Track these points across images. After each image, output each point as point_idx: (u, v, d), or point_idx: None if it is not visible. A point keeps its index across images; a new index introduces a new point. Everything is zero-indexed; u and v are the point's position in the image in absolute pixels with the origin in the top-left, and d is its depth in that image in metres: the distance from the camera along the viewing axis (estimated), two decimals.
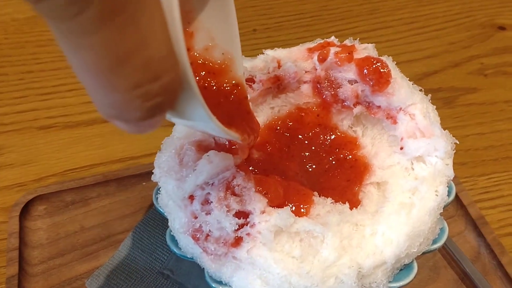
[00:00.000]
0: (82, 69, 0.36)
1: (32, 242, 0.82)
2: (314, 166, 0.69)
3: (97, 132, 1.02)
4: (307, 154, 0.69)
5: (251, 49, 1.20)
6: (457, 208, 0.87)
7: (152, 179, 0.65)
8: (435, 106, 0.67)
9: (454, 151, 0.64)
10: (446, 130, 0.64)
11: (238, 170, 0.58)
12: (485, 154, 1.00)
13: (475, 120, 1.06)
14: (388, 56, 1.18)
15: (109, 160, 0.97)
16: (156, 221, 0.83)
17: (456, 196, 0.87)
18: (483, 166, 0.98)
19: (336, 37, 1.23)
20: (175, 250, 0.63)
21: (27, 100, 1.07)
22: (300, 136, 0.70)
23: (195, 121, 0.47)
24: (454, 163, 0.97)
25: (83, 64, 0.35)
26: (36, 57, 1.15)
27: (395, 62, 0.69)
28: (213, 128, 0.46)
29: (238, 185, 0.58)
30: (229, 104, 0.53)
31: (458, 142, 0.64)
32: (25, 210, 0.85)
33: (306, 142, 0.70)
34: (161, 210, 0.64)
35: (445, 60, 1.18)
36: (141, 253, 0.80)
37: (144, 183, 0.89)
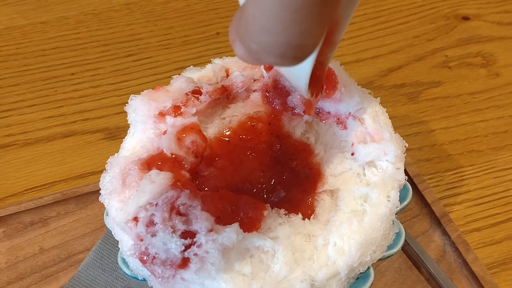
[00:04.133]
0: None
1: None
2: (269, 178, 0.67)
3: (57, 148, 1.00)
4: (261, 165, 0.67)
5: (214, 53, 1.18)
6: (421, 207, 0.86)
7: (99, 199, 0.63)
8: (385, 109, 0.66)
9: (405, 154, 0.62)
10: (396, 134, 0.63)
11: (183, 188, 0.57)
12: (451, 149, 0.99)
13: (440, 114, 1.05)
14: (354, 53, 1.18)
15: (70, 177, 0.95)
16: (115, 239, 0.81)
17: (420, 194, 0.86)
18: (449, 161, 0.97)
19: None
20: (127, 272, 0.61)
21: None
22: (253, 147, 0.69)
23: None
24: (419, 160, 0.97)
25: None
26: None
27: (343, 64, 0.68)
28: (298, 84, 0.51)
29: (184, 204, 0.56)
30: None
31: (407, 145, 0.63)
32: None
33: (259, 152, 0.68)
34: (111, 230, 0.63)
35: (409, 54, 1.17)
36: (101, 272, 0.78)
37: (99, 200, 0.87)
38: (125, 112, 1.04)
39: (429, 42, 1.20)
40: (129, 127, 1.01)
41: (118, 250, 0.79)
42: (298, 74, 0.49)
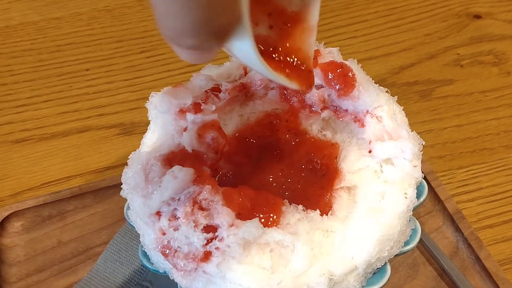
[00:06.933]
0: None
1: (9, 260, 0.82)
2: (287, 175, 0.68)
3: (73, 143, 1.01)
4: (278, 162, 0.68)
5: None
6: (434, 203, 0.87)
7: (121, 194, 0.64)
8: (402, 107, 0.67)
9: (422, 152, 0.63)
10: (414, 132, 0.64)
11: (205, 183, 0.58)
12: (463, 146, 1.00)
13: (452, 112, 1.06)
14: (366, 50, 1.19)
15: (85, 171, 0.96)
16: (133, 233, 0.82)
17: (434, 191, 0.87)
18: (461, 158, 0.98)
19: None
20: (147, 265, 0.63)
21: (1, 113, 1.06)
22: (270, 143, 0.70)
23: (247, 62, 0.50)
24: (432, 157, 0.98)
25: None
26: (10, 68, 1.14)
27: (360, 60, 0.69)
28: (262, 70, 0.48)
29: (205, 199, 0.58)
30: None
31: (424, 143, 0.64)
32: (1, 227, 0.84)
33: (277, 149, 0.70)
34: (133, 224, 0.64)
35: (421, 52, 1.18)
36: (119, 265, 0.80)
37: (120, 194, 0.88)
38: (139, 108, 1.07)
39: (441, 40, 1.20)
40: (144, 123, 1.04)
41: (136, 244, 0.81)
42: (249, 58, 0.48)
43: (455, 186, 0.93)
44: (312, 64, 0.55)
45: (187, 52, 0.45)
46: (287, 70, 0.52)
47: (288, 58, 0.53)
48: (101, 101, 1.08)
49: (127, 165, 0.65)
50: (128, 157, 0.67)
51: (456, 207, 0.85)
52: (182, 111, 0.65)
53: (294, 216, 0.61)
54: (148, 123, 1.04)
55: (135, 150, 0.67)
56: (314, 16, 0.54)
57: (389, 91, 0.67)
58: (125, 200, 0.88)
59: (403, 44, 1.20)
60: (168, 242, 0.57)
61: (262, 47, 0.52)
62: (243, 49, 0.46)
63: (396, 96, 0.67)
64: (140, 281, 0.78)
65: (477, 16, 1.26)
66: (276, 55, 0.53)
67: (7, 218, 0.85)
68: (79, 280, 0.79)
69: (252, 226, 0.56)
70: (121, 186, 0.65)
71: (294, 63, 0.53)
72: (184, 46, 0.43)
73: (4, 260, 0.81)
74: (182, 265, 0.56)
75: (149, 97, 0.68)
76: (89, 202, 0.88)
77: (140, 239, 0.62)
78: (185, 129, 0.64)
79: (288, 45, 0.53)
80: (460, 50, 1.18)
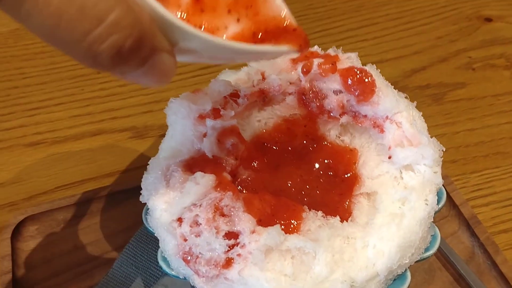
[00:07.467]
0: (39, 36, 0.40)
1: (25, 264, 0.82)
2: (305, 181, 0.68)
3: (86, 146, 1.01)
4: (297, 168, 0.68)
5: None
6: (450, 208, 0.87)
7: (140, 199, 0.65)
8: (421, 113, 0.67)
9: (442, 158, 0.63)
10: (433, 138, 0.64)
11: (226, 190, 0.58)
12: (476, 151, 1.00)
13: (465, 116, 1.05)
14: (377, 53, 1.19)
15: (100, 175, 0.96)
16: (148, 237, 0.82)
17: (449, 196, 0.87)
18: (475, 163, 0.98)
19: (322, 36, 1.23)
20: (167, 271, 0.63)
21: (14, 117, 1.06)
22: (289, 149, 0.70)
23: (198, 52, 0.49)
24: (445, 162, 0.97)
25: (35, 32, 0.39)
26: (22, 71, 1.14)
27: (377, 62, 0.69)
28: (219, 47, 0.47)
29: (227, 206, 0.58)
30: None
31: (444, 149, 0.64)
32: (17, 231, 0.84)
33: (295, 154, 0.70)
34: (151, 230, 0.64)
35: (433, 55, 1.17)
36: (135, 269, 0.80)
37: (135, 198, 0.89)
38: (152, 111, 1.07)
39: (452, 43, 1.20)
40: (157, 126, 1.04)
41: (152, 249, 0.81)
42: (205, 47, 0.48)
43: (469, 191, 0.93)
44: (294, 22, 0.54)
45: (140, 72, 0.44)
46: (273, 41, 0.52)
47: (267, 31, 0.54)
48: (113, 104, 1.08)
49: (145, 170, 0.66)
50: (142, 161, 0.67)
51: (472, 212, 0.85)
52: (201, 117, 0.65)
53: (315, 222, 0.61)
54: (160, 126, 1.05)
55: (149, 154, 0.67)
56: None
57: (408, 97, 0.67)
58: (141, 204, 0.89)
59: (414, 47, 1.19)
60: (190, 248, 0.57)
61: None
62: (178, 36, 0.45)
63: (415, 102, 0.67)
64: (156, 285, 0.78)
65: (488, 19, 1.25)
66: (260, 35, 0.53)
67: (22, 222, 0.85)
68: (95, 284, 0.79)
69: (274, 233, 0.56)
70: (140, 192, 0.65)
71: (276, 31, 0.54)
72: (108, 65, 0.41)
73: (20, 265, 0.82)
74: (204, 272, 0.57)
75: (164, 101, 0.67)
76: (104, 206, 0.88)
77: (159, 244, 0.62)
78: (204, 135, 0.64)
79: (260, 20, 0.54)
80: (471, 53, 1.18)
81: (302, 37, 0.53)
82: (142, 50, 0.42)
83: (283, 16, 0.53)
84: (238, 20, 0.54)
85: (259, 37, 0.53)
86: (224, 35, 0.54)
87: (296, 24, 0.54)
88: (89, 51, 0.39)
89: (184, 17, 0.53)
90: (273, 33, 0.53)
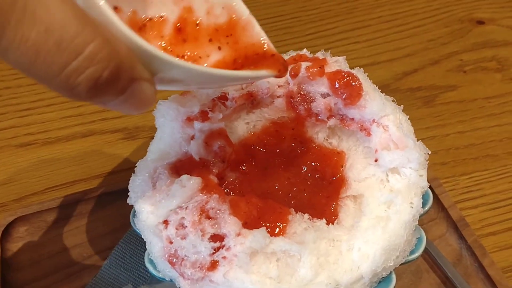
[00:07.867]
0: (17, 69, 0.40)
1: (14, 265, 0.82)
2: (293, 184, 0.68)
3: (77, 147, 1.01)
4: (284, 170, 0.69)
5: None
6: (438, 210, 0.87)
7: (128, 202, 0.65)
8: (408, 116, 0.67)
9: (428, 162, 0.64)
10: (420, 141, 0.64)
11: (212, 192, 0.58)
12: (466, 153, 1.00)
13: (455, 118, 1.06)
14: (369, 55, 1.19)
15: (90, 176, 0.96)
16: (137, 238, 0.82)
17: (437, 198, 0.87)
18: (464, 165, 0.98)
19: (315, 38, 1.23)
20: (154, 273, 0.63)
21: (6, 117, 1.06)
22: (276, 152, 0.70)
23: (182, 81, 0.50)
24: (435, 164, 0.98)
25: (13, 66, 0.39)
26: (14, 72, 1.14)
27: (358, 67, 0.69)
28: (200, 74, 0.48)
29: (213, 208, 0.58)
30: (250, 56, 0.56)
31: (430, 153, 0.64)
32: (6, 232, 0.84)
33: (283, 157, 0.70)
34: (139, 232, 0.64)
35: (425, 58, 1.18)
36: (124, 271, 0.80)
37: (123, 200, 0.89)
38: (143, 113, 1.07)
39: (444, 46, 1.20)
40: (148, 127, 1.04)
41: (140, 250, 0.81)
42: (191, 75, 0.48)
43: (458, 193, 0.94)
44: (272, 48, 0.56)
45: (119, 101, 0.44)
46: (252, 67, 0.54)
47: (247, 57, 0.56)
48: None
49: (133, 172, 0.66)
50: (133, 162, 0.67)
51: (460, 215, 0.85)
52: (189, 119, 0.65)
53: (301, 225, 0.61)
54: (151, 127, 1.05)
55: (139, 155, 0.67)
56: (242, 11, 0.57)
57: (395, 100, 0.67)
58: (129, 206, 0.89)
59: (406, 50, 1.20)
60: (176, 251, 0.58)
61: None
62: (160, 67, 0.45)
63: (402, 105, 0.67)
64: (145, 287, 0.78)
65: (480, 22, 1.26)
66: (240, 62, 0.56)
67: (11, 223, 0.85)
68: (84, 286, 0.79)
69: (259, 236, 0.57)
70: (128, 194, 0.65)
71: (255, 57, 0.56)
72: (86, 96, 0.42)
73: (9, 265, 0.82)
74: (189, 274, 0.57)
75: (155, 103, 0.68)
76: (93, 207, 0.88)
77: (146, 246, 0.63)
78: (192, 137, 0.65)
79: (241, 48, 0.56)
80: (463, 56, 1.18)
81: (280, 62, 0.55)
82: (119, 81, 0.42)
83: (262, 43, 0.56)
84: (219, 48, 0.57)
85: (239, 63, 0.55)
86: (205, 64, 0.55)
87: (275, 50, 0.56)
88: (67, 83, 0.40)
89: (168, 48, 0.55)
90: (252, 59, 0.55)
